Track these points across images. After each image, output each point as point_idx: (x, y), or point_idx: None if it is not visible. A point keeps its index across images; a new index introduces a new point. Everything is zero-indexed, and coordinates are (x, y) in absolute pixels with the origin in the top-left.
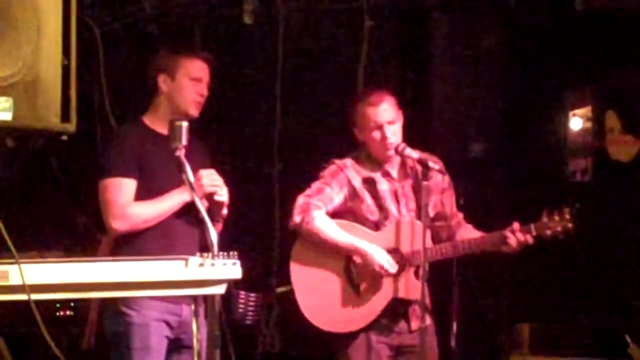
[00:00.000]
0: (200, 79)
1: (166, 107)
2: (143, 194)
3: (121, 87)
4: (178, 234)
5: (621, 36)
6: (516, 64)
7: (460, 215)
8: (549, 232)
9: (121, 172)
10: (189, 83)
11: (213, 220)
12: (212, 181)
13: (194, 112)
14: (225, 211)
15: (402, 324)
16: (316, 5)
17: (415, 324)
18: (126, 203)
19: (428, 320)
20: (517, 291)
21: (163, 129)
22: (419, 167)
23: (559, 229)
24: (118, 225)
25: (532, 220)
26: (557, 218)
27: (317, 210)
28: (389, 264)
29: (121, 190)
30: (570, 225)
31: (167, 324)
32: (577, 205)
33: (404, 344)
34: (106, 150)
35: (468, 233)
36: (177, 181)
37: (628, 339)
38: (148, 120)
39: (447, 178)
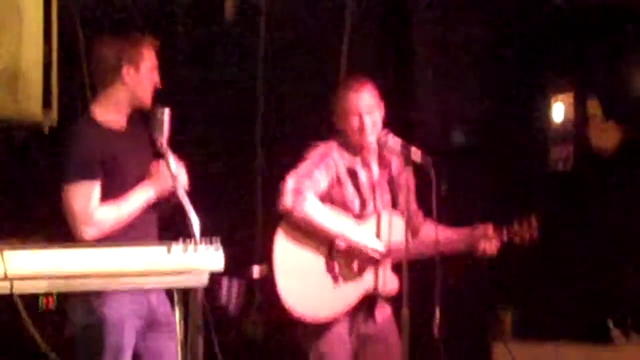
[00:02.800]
0: (156, 66)
1: (124, 98)
2: (107, 193)
3: None
4: (139, 226)
5: (601, 25)
6: (498, 52)
7: (421, 214)
8: (517, 239)
9: (84, 175)
10: (150, 73)
11: (169, 203)
12: (176, 167)
13: (149, 102)
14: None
15: (369, 314)
16: None
17: (380, 314)
18: (94, 209)
19: (389, 310)
20: (499, 278)
21: (118, 122)
22: (396, 161)
23: (526, 236)
24: (87, 232)
25: (511, 212)
26: (525, 227)
27: (308, 193)
28: (379, 248)
29: (86, 195)
30: (535, 234)
31: (138, 315)
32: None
33: (370, 333)
34: (64, 152)
35: (431, 230)
36: (139, 174)
37: (610, 323)
38: (99, 113)
39: (412, 176)
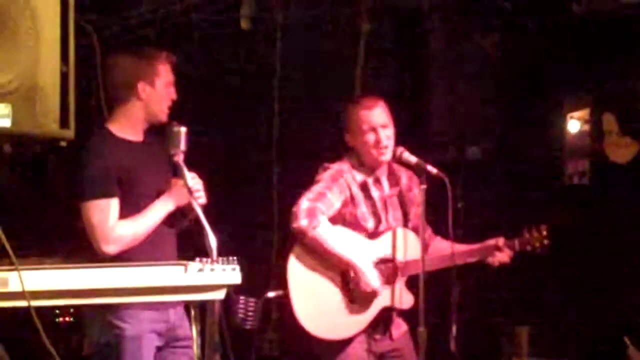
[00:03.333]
0: (172, 82)
1: (140, 114)
2: (125, 208)
3: None
4: (159, 241)
5: (619, 38)
6: (513, 67)
7: (430, 230)
8: (529, 247)
9: (103, 192)
10: (165, 89)
11: (186, 218)
12: (195, 185)
13: (165, 117)
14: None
15: (384, 331)
16: (313, 11)
17: (395, 332)
18: (113, 225)
19: (405, 327)
20: (517, 294)
21: (135, 137)
22: (405, 178)
23: (537, 244)
24: (109, 249)
25: (526, 224)
26: (535, 235)
27: (322, 216)
28: (377, 287)
29: (106, 212)
30: (546, 242)
31: (157, 333)
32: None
33: (386, 350)
34: (82, 169)
35: (441, 243)
36: (157, 188)
37: (627, 340)
38: (116, 128)
39: (421, 192)
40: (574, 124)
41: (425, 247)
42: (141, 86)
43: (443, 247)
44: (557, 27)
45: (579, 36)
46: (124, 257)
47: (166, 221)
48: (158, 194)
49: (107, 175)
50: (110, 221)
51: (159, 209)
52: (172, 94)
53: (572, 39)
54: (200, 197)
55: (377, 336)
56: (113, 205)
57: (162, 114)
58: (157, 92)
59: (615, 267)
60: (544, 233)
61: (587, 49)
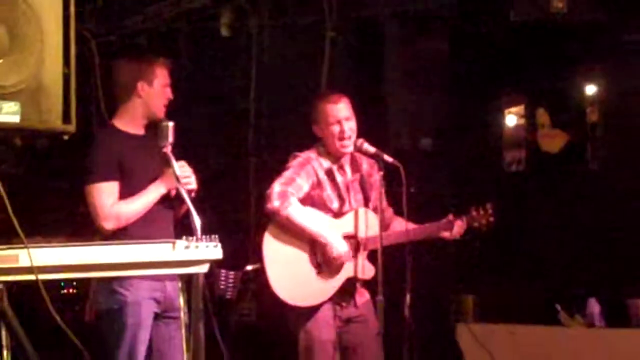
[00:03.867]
0: (169, 84)
1: (140, 110)
2: (124, 191)
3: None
4: (156, 220)
5: (549, 44)
6: (459, 69)
7: (391, 210)
8: (475, 224)
9: (104, 176)
10: (162, 89)
11: (184, 203)
12: (184, 172)
13: (162, 114)
14: (192, 195)
15: (350, 300)
16: (284, 19)
17: (359, 299)
18: (112, 204)
19: (367, 296)
20: (464, 267)
21: (135, 130)
22: (366, 164)
23: (483, 221)
24: (108, 225)
25: (470, 206)
26: (482, 213)
27: (293, 198)
28: (346, 255)
29: (106, 194)
30: (491, 219)
31: (155, 300)
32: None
33: (351, 316)
34: (87, 156)
35: (400, 223)
36: (153, 175)
37: (558, 307)
38: (119, 123)
39: (382, 178)
40: (511, 119)
41: (387, 226)
42: (140, 85)
43: (402, 226)
44: (496, 33)
45: (515, 41)
46: (125, 234)
47: (163, 204)
48: (153, 180)
49: (109, 163)
50: (110, 201)
51: (152, 192)
52: (168, 93)
53: (509, 44)
54: (189, 184)
55: (344, 303)
56: (113, 188)
57: (159, 111)
58: (154, 91)
59: (547, 243)
60: (489, 211)
61: (522, 53)
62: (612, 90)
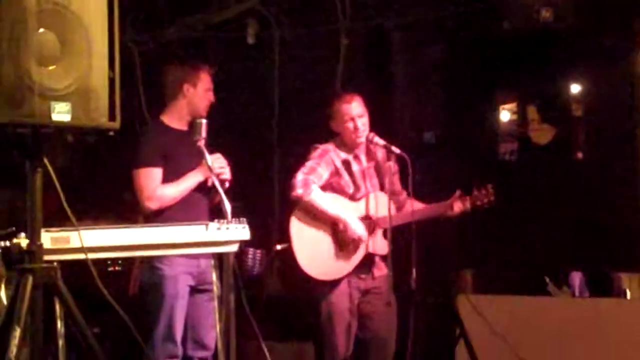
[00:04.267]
0: (211, 88)
1: (185, 109)
2: (167, 177)
3: (154, 94)
4: (193, 206)
5: (539, 48)
6: (457, 71)
7: (405, 193)
8: (478, 202)
9: (150, 163)
10: (205, 92)
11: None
12: (220, 164)
13: (205, 113)
14: (227, 185)
15: (368, 272)
16: (303, 29)
17: (377, 272)
18: (155, 187)
19: (385, 270)
20: (462, 244)
21: (180, 126)
22: (381, 153)
23: (485, 200)
24: (151, 205)
25: (469, 192)
26: (483, 192)
27: (314, 185)
28: (362, 235)
29: (150, 178)
30: (492, 198)
31: (191, 274)
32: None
33: (369, 287)
34: (137, 145)
35: (414, 204)
36: (193, 165)
37: (547, 279)
38: (167, 119)
39: (395, 164)
40: (505, 114)
41: (401, 207)
42: (186, 87)
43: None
44: (491, 39)
45: (507, 47)
46: (168, 215)
47: (200, 192)
48: (192, 169)
49: (155, 152)
50: (154, 184)
51: (190, 179)
52: (210, 96)
53: (502, 49)
54: (222, 173)
55: (362, 275)
56: (157, 173)
57: (202, 111)
58: (197, 92)
59: (537, 223)
60: (490, 191)
61: (515, 57)
62: (594, 89)
